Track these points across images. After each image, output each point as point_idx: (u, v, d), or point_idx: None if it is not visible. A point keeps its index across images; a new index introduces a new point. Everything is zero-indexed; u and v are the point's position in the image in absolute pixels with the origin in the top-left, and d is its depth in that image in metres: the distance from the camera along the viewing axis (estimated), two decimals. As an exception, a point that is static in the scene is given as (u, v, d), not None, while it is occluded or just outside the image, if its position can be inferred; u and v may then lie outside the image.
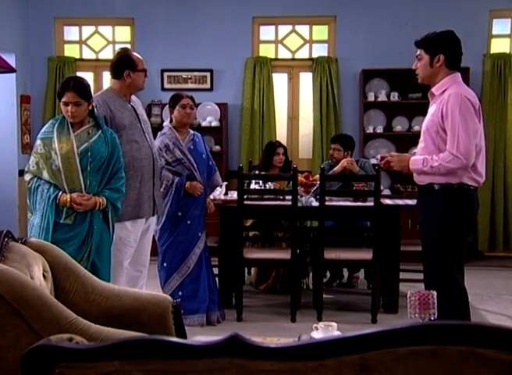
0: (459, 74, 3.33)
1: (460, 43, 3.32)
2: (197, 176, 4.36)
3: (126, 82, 3.79)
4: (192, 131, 4.51)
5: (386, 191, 6.62)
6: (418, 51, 3.35)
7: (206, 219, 4.53)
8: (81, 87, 3.36)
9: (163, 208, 4.17)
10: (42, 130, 3.43)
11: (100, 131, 3.43)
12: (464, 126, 3.13)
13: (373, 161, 6.65)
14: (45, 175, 3.32)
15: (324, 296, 4.54)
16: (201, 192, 4.36)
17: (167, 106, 5.90)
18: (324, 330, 2.65)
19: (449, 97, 3.19)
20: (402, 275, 4.73)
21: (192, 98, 4.42)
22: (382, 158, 3.50)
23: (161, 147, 4.27)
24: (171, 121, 4.45)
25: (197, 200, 4.36)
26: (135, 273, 3.92)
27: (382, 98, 6.80)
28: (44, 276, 2.37)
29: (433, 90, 3.34)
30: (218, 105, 6.92)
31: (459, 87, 3.27)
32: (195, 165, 4.35)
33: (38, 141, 3.38)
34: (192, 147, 4.40)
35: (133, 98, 3.95)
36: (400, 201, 4.93)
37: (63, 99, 3.33)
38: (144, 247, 3.92)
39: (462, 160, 3.14)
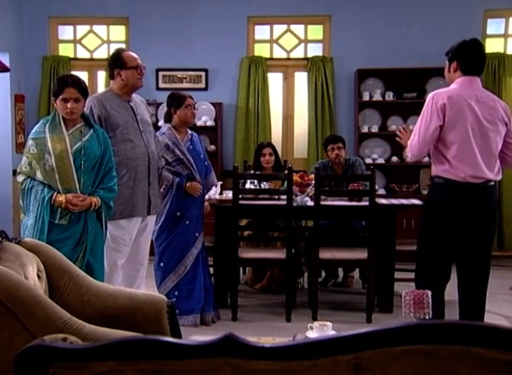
0: (468, 77, 3.41)
1: (477, 49, 3.44)
2: (197, 177, 4.34)
3: (119, 81, 3.79)
4: (190, 131, 4.48)
5: (381, 191, 6.63)
6: None
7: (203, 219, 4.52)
8: (80, 84, 3.35)
9: (162, 208, 4.16)
10: (33, 130, 3.38)
11: (91, 130, 3.41)
12: (419, 124, 3.38)
13: (368, 160, 6.69)
14: (39, 175, 3.29)
15: (319, 296, 4.53)
16: (201, 192, 4.35)
17: (162, 106, 5.83)
18: (319, 330, 2.65)
19: None
20: (397, 275, 4.73)
21: (192, 98, 4.43)
22: (404, 130, 3.68)
23: None
24: (169, 121, 4.41)
25: (196, 200, 4.35)
26: (132, 272, 3.92)
27: (377, 97, 6.81)
28: (38, 277, 2.36)
29: None
30: (213, 104, 6.92)
31: (447, 87, 3.45)
32: (194, 165, 4.34)
33: (30, 142, 3.33)
34: (191, 147, 4.38)
35: (137, 98, 3.95)
36: (395, 201, 4.93)
37: (63, 95, 3.29)
38: (141, 246, 3.91)
39: (409, 152, 3.47)
